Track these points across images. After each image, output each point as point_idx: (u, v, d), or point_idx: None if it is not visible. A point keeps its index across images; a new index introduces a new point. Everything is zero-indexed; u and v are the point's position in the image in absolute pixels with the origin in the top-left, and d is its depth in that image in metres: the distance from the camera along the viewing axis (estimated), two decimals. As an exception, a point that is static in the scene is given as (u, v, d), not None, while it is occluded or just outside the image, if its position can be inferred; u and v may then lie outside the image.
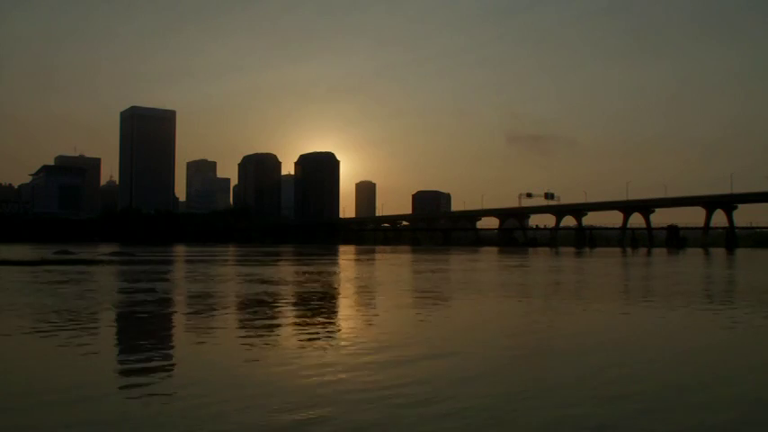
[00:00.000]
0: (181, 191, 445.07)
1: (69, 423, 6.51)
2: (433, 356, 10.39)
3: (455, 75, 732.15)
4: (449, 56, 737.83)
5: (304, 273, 35.69)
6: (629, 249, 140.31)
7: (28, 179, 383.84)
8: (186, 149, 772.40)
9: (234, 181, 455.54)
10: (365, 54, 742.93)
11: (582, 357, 10.54)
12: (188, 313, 16.55)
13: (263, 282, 27.93)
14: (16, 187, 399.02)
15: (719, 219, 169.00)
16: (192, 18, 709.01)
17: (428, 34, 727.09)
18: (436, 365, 9.62)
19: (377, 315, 16.60)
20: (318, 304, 18.79)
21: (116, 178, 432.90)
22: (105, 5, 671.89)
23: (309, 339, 11.99)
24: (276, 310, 17.30)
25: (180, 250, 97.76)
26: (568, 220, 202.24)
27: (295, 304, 18.86)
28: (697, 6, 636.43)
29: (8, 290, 22.25)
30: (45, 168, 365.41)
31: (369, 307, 18.65)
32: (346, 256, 71.83)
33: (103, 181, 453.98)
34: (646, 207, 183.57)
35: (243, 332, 13.19)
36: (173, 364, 9.87)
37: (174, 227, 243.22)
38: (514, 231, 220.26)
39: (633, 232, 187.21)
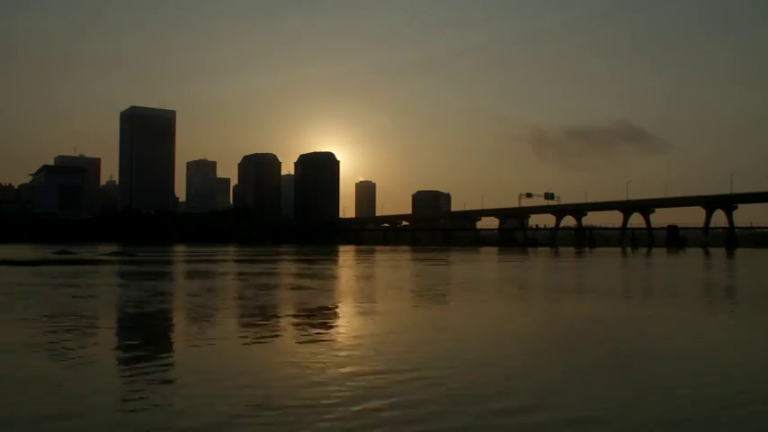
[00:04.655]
0: (181, 191, 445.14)
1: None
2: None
3: (456, 75, 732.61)
4: (449, 56, 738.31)
5: (304, 274, 35.64)
6: (629, 249, 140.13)
7: (28, 179, 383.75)
8: (186, 149, 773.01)
9: (234, 181, 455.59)
10: (366, 54, 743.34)
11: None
12: (187, 316, 16.50)
13: (264, 282, 27.88)
14: (16, 187, 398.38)
15: (719, 219, 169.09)
16: (193, 18, 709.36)
17: (429, 35, 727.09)
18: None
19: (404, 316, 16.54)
20: (322, 308, 18.73)
21: (116, 178, 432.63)
22: (105, 7, 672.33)
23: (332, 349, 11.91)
24: (275, 313, 17.25)
25: (180, 250, 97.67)
26: (568, 220, 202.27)
27: (294, 306, 18.80)
28: (698, 7, 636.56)
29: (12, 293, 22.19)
30: (45, 168, 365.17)
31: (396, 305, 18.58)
32: (346, 257, 71.76)
33: (103, 181, 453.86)
34: (646, 207, 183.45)
35: (242, 338, 13.15)
36: (167, 371, 9.82)
37: (173, 227, 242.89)
38: (514, 231, 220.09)
39: (633, 232, 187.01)
